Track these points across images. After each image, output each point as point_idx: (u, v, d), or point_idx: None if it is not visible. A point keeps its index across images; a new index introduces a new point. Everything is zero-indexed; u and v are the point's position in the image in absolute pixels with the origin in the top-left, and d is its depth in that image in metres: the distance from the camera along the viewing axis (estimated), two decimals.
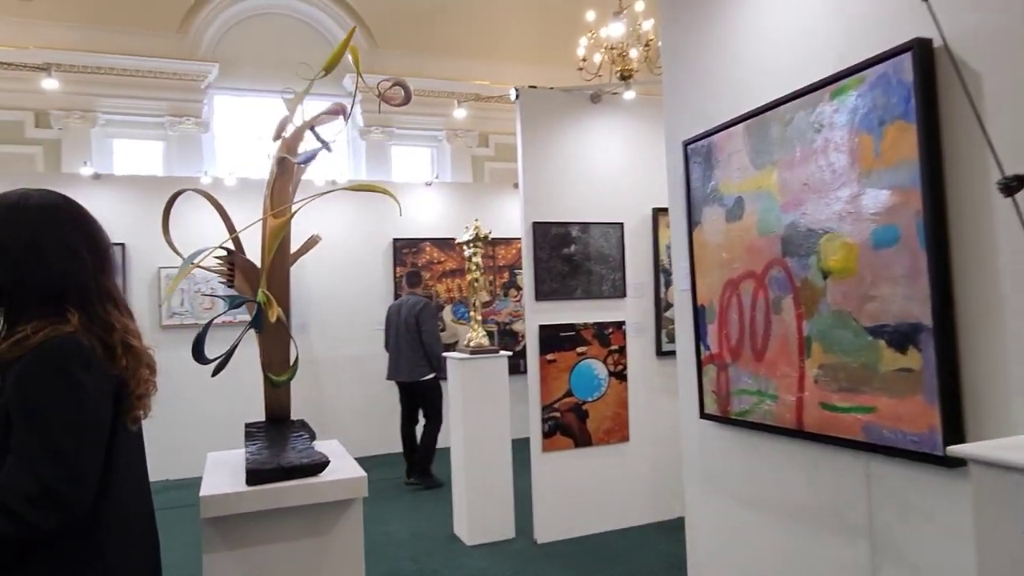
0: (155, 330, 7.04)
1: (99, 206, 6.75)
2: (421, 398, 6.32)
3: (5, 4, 7.01)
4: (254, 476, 1.81)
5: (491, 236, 4.88)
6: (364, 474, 1.93)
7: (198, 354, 1.78)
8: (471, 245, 4.85)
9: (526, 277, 4.74)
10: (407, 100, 2.20)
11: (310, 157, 2.01)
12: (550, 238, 4.74)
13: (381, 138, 9.62)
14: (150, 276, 7.05)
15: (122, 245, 6.88)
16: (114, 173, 7.64)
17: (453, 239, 6.48)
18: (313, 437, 2.26)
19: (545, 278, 4.72)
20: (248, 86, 8.78)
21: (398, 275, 7.98)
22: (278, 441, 2.10)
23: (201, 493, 1.78)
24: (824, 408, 2.14)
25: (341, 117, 2.25)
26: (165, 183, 7.28)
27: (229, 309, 1.83)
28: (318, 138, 2.37)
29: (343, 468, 1.98)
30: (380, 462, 7.38)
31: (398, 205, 2.27)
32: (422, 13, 9.28)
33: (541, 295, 4.71)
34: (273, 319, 1.77)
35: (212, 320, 1.90)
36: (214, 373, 1.91)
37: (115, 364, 1.37)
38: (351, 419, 7.69)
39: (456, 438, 4.87)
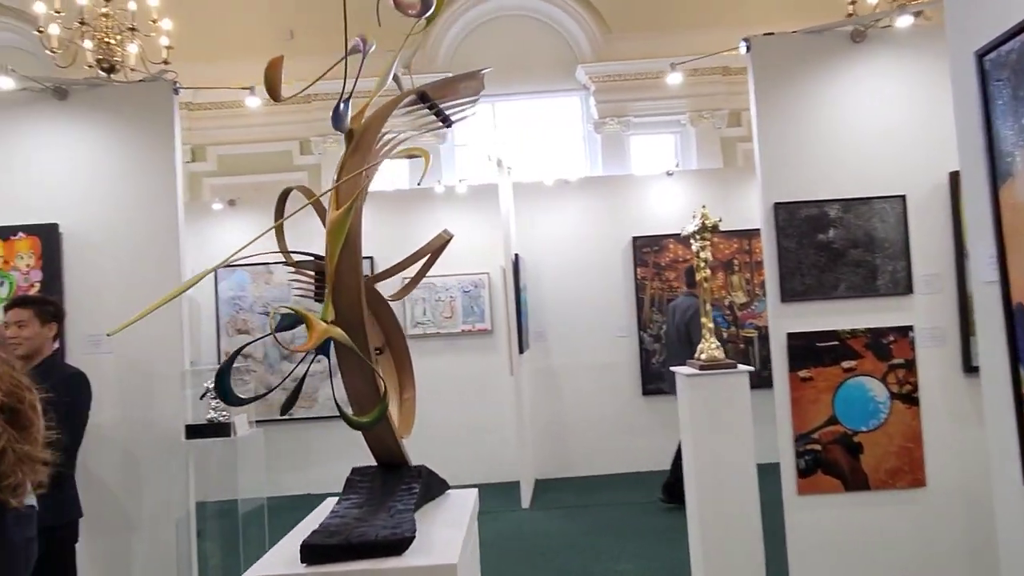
0: None
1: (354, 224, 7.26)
2: None
3: (272, 45, 7.87)
4: (311, 553, 1.40)
5: (720, 225, 4.04)
6: (455, 561, 1.40)
7: (223, 392, 1.41)
8: (698, 237, 4.07)
9: (768, 272, 3.83)
10: (425, 10, 1.66)
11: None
12: (798, 222, 3.77)
13: (617, 129, 9.08)
14: (395, 289, 7.34)
15: (370, 259, 7.27)
16: (370, 191, 8.16)
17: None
18: (435, 489, 1.81)
19: (794, 273, 3.77)
20: (481, 92, 8.86)
21: (639, 276, 7.36)
22: (377, 498, 1.67)
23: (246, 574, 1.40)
24: None
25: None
26: (407, 196, 7.58)
27: (278, 330, 1.45)
28: (435, 112, 1.92)
29: (437, 546, 1.47)
30: (624, 482, 6.84)
31: (426, 163, 1.75)
32: None
33: (789, 295, 3.76)
34: (315, 341, 1.33)
35: (240, 350, 1.52)
36: (283, 411, 1.54)
37: None
38: (594, 433, 7.25)
39: (688, 470, 4.12)
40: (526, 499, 6.24)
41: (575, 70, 8.80)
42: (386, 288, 2.09)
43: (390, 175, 9.04)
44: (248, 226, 7.41)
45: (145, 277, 3.76)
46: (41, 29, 5.69)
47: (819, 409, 3.73)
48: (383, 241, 7.29)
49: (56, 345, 3.69)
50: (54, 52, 5.77)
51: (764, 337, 7.22)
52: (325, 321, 1.41)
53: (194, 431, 3.59)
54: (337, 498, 1.77)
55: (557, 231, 7.43)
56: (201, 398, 3.68)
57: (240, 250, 1.44)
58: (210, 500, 6.57)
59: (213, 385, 3.73)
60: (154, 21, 6.19)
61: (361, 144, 1.67)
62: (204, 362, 7.28)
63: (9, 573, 2.10)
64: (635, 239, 7.39)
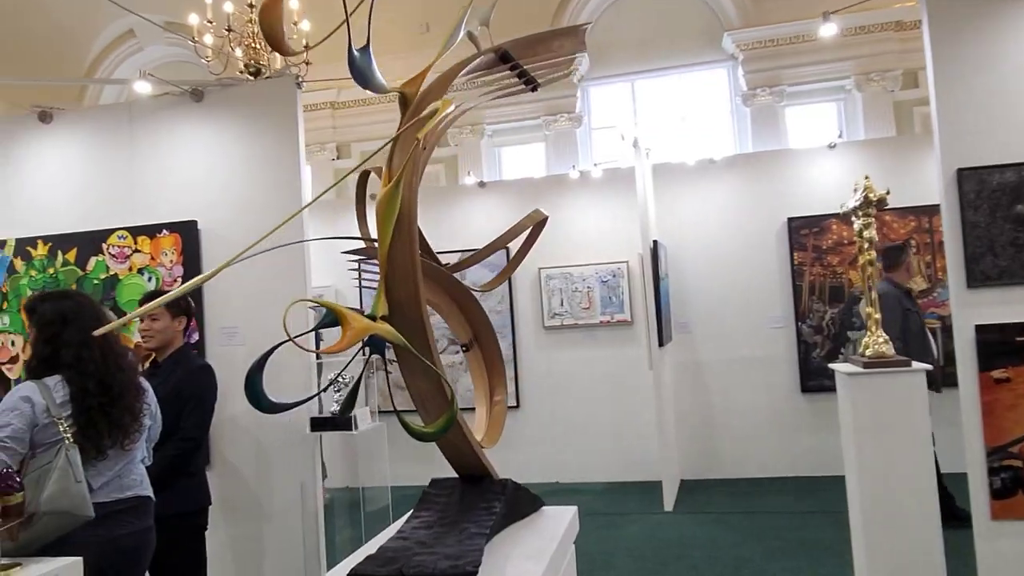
0: (538, 332, 7.16)
1: (483, 211, 7.18)
2: None
3: (408, 39, 7.97)
4: None
5: (888, 199, 3.45)
6: None
7: (254, 397, 1.25)
8: (860, 213, 3.52)
9: (949, 252, 3.23)
10: None
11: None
12: (990, 192, 3.13)
13: (769, 100, 8.33)
14: (531, 277, 7.20)
15: (506, 249, 7.16)
16: (503, 179, 8.10)
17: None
18: (524, 507, 1.58)
19: (984, 253, 3.14)
20: (618, 71, 8.49)
21: (797, 261, 6.68)
22: (451, 516, 1.47)
23: None
24: None
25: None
26: (541, 184, 7.40)
27: (321, 327, 1.27)
28: (518, 74, 1.68)
29: None
30: (780, 488, 6.25)
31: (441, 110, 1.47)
32: None
33: (978, 279, 3.14)
34: (349, 341, 1.14)
35: (271, 351, 1.36)
36: (341, 414, 1.37)
37: None
38: (746, 433, 6.70)
39: (851, 482, 3.60)
40: (669, 501, 5.86)
41: (721, 39, 8.18)
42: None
43: (522, 161, 8.93)
44: None
45: (275, 271, 3.84)
46: (196, 40, 6.08)
47: (1019, 417, 3.09)
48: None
49: (195, 337, 3.87)
50: (208, 60, 6.16)
51: (947, 328, 6.31)
52: (373, 317, 1.22)
53: (318, 423, 3.62)
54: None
55: (701, 214, 6.92)
56: (324, 390, 3.70)
57: (242, 253, 1.27)
58: (335, 488, 6.81)
59: (333, 377, 3.75)
60: (295, 23, 6.44)
61: (419, 112, 1.46)
62: (351, 352, 7.54)
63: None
64: (791, 220, 6.71)
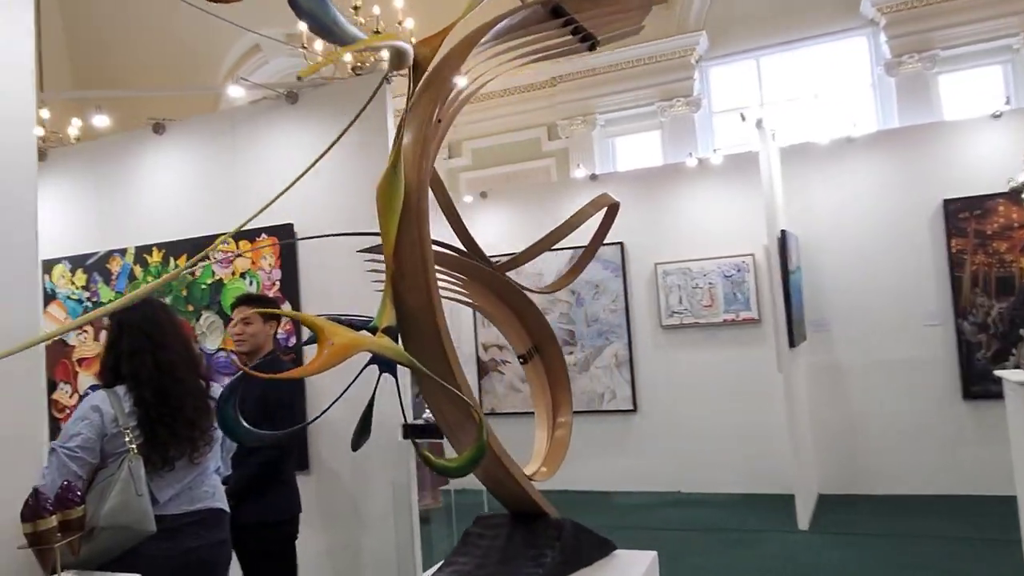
0: (655, 331, 6.77)
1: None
2: None
3: None
4: None
5: None
6: None
7: (226, 427, 1.05)
8: None
9: None
10: None
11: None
12: None
13: (918, 68, 7.40)
14: (648, 273, 6.82)
15: (620, 244, 6.84)
16: (617, 171, 7.75)
17: None
18: (586, 554, 1.31)
19: None
20: (740, 48, 7.87)
21: (955, 249, 5.87)
22: (493, 564, 1.23)
23: None
24: None
25: None
26: (656, 174, 6.99)
27: (307, 343, 1.06)
28: (574, 30, 1.41)
29: None
30: (938, 508, 5.50)
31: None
32: None
33: None
34: (325, 362, 0.92)
35: (239, 379, 1.13)
36: (354, 447, 1.17)
37: None
38: (896, 444, 5.98)
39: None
40: (803, 519, 5.30)
41: (858, 4, 7.36)
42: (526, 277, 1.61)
43: (636, 151, 8.51)
44: (499, 217, 7.44)
45: (367, 271, 3.75)
46: (305, 46, 6.19)
47: None
48: (632, 225, 6.82)
49: (292, 341, 3.87)
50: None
51: None
52: (372, 329, 1.00)
53: (410, 430, 3.48)
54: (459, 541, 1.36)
55: (837, 199, 6.25)
56: (417, 396, 3.56)
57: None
58: (461, 488, 6.73)
59: None
60: (399, 23, 6.42)
61: (435, 80, 1.22)
62: (464, 351, 7.49)
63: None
64: (947, 203, 5.91)
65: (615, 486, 6.76)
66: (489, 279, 1.42)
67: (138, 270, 4.41)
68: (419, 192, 1.07)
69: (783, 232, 5.60)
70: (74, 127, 5.59)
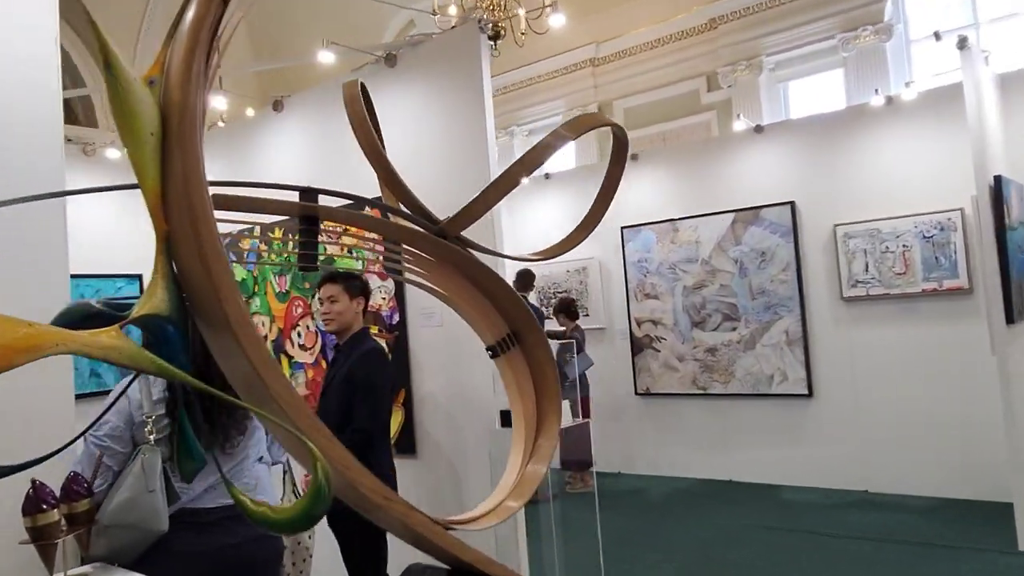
0: (834, 304, 5.89)
1: (763, 163, 6.10)
2: None
3: None
4: None
5: None
6: None
7: (184, 447, 0.78)
8: None
9: None
10: None
11: None
12: None
13: None
14: (825, 237, 5.93)
15: (791, 204, 6.01)
16: (789, 118, 6.83)
17: None
18: None
19: None
20: None
21: None
22: None
23: None
24: None
25: None
26: (832, 121, 6.01)
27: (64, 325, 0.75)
28: None
29: None
30: None
31: None
32: None
33: None
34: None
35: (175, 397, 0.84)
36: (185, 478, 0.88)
37: None
38: None
39: None
40: None
41: None
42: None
43: (813, 95, 7.42)
44: (650, 181, 6.87)
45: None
46: (436, 12, 6.05)
47: None
48: (805, 180, 5.94)
49: (396, 318, 3.71)
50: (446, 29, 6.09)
51: None
52: (115, 319, 0.68)
53: (508, 418, 3.19)
54: None
55: None
56: None
57: None
58: (607, 472, 6.30)
59: None
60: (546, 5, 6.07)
61: None
62: (616, 329, 7.06)
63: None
64: None
65: (785, 480, 6.02)
66: (455, 258, 1.05)
67: (263, 248, 4.51)
68: (183, 115, 0.72)
69: (998, 179, 4.53)
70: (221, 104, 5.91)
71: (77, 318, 0.74)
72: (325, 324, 3.14)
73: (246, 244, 4.60)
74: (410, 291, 3.71)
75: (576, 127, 1.10)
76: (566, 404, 3.21)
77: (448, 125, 3.53)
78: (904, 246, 5.62)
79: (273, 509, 0.82)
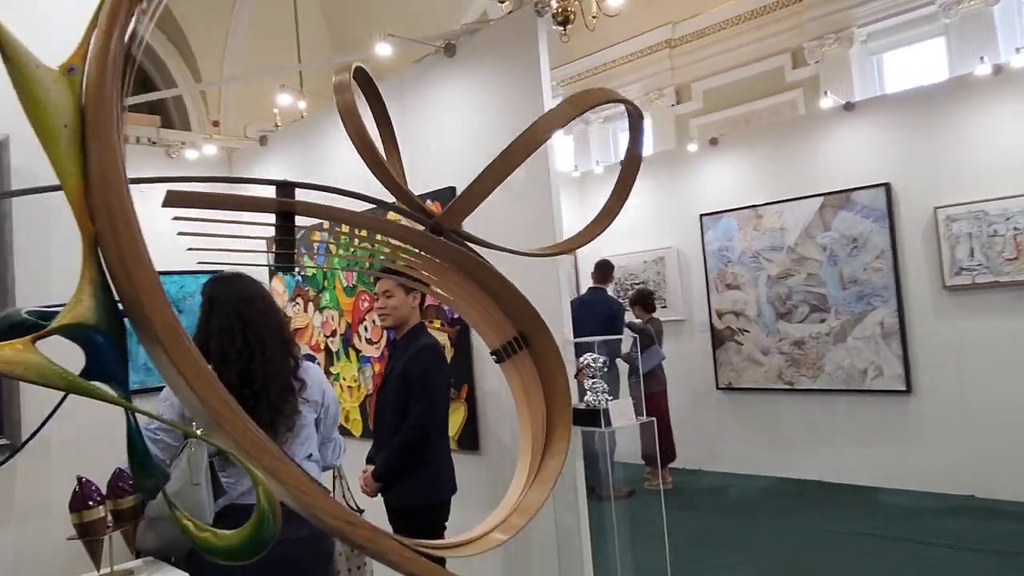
0: (936, 293, 5.46)
1: (854, 143, 5.73)
2: None
3: None
4: None
5: None
6: None
7: (140, 471, 0.75)
8: None
9: None
10: None
11: None
12: None
13: None
14: (924, 221, 5.51)
15: (885, 186, 5.61)
16: (886, 93, 6.37)
17: None
18: None
19: None
20: None
21: None
22: None
23: None
24: None
25: None
26: (932, 94, 5.55)
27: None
28: None
29: None
30: None
31: None
32: None
33: None
34: None
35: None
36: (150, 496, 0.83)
37: None
38: None
39: None
40: None
41: None
42: None
43: (910, 68, 6.88)
44: (731, 166, 6.57)
45: (526, 234, 3.39)
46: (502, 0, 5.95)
47: None
48: (901, 160, 5.52)
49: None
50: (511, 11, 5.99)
51: None
52: (30, 328, 0.62)
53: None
54: None
55: None
56: (575, 376, 3.13)
57: None
58: (686, 469, 6.06)
59: (583, 364, 3.15)
60: None
61: None
62: (696, 321, 6.81)
63: None
64: None
65: (880, 482, 5.65)
66: (452, 254, 0.97)
67: (332, 244, 4.57)
68: (97, 105, 0.65)
69: None
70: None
71: (5, 328, 0.70)
72: (381, 319, 3.12)
73: (316, 238, 4.68)
74: None
75: (579, 103, 0.99)
76: (628, 402, 3.07)
77: (506, 112, 3.44)
78: (1015, 229, 5.14)
79: (217, 535, 0.77)
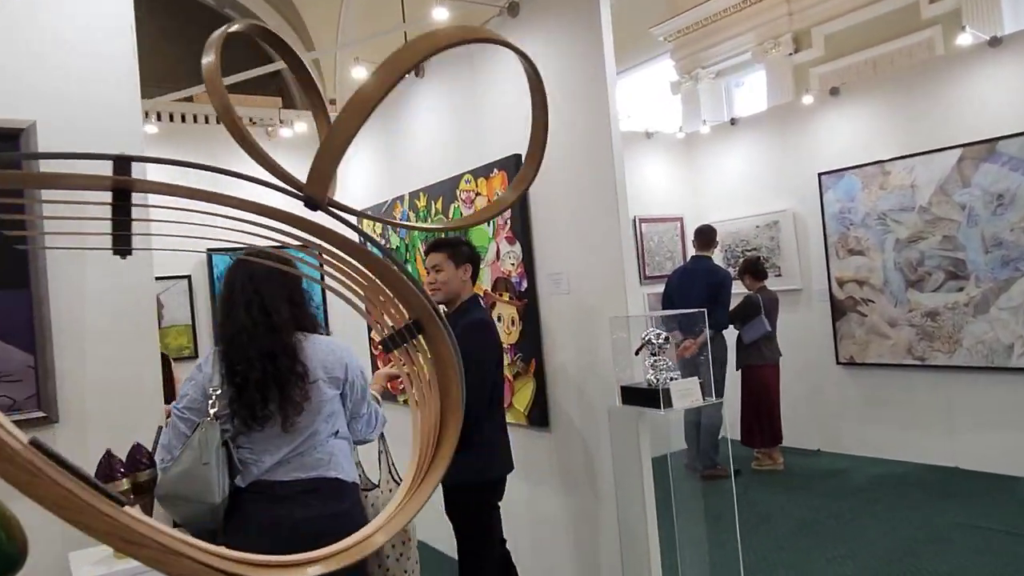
0: None
1: (1000, 84, 5.11)
2: None
3: None
4: None
5: None
6: None
7: None
8: None
9: None
10: None
11: None
12: None
13: None
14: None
15: None
16: None
17: None
18: None
19: None
20: None
21: None
22: None
23: None
24: None
25: None
26: None
27: None
28: None
29: None
30: None
31: None
32: None
33: None
34: None
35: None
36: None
37: None
38: None
39: None
40: None
41: None
42: None
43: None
44: (854, 118, 5.98)
45: (592, 211, 3.23)
46: None
47: None
48: None
49: (524, 285, 3.57)
50: None
51: None
52: None
53: (628, 394, 2.92)
54: None
55: None
56: (636, 353, 2.96)
57: None
58: (802, 448, 5.63)
59: (644, 339, 2.96)
60: None
61: None
62: (814, 290, 6.31)
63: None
64: None
65: None
66: (327, 235, 0.87)
67: (412, 216, 4.59)
68: None
69: None
70: None
71: None
72: (432, 294, 3.07)
73: (398, 212, 4.72)
74: (539, 254, 3.54)
75: (434, 38, 0.81)
76: (694, 381, 2.85)
77: (567, 71, 3.27)
78: None
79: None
